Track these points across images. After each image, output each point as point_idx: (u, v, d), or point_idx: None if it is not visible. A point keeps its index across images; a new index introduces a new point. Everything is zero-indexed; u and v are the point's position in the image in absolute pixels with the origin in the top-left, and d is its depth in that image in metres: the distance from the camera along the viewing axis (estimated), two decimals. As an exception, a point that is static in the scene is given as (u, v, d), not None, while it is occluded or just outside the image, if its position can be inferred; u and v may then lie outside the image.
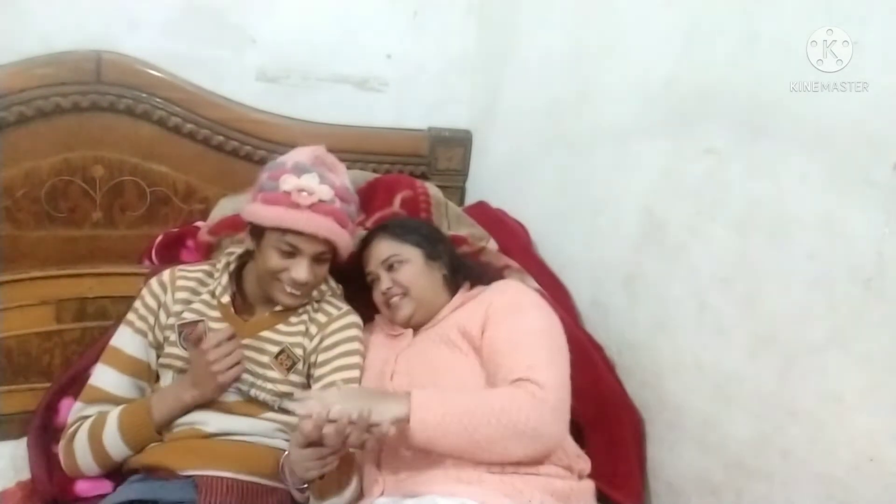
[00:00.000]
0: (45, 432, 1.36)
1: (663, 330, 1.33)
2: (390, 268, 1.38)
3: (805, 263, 1.04)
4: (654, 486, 1.37)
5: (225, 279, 1.34)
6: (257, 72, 1.79)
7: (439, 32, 1.91)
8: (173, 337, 1.30)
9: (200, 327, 1.29)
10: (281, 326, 1.33)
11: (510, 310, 1.28)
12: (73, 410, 1.30)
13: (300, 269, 1.25)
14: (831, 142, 1.00)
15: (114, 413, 1.25)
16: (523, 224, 1.77)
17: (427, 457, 1.14)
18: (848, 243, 0.97)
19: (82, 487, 1.29)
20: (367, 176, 1.76)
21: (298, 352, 1.31)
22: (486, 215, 1.77)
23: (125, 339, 1.31)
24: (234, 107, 1.73)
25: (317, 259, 1.27)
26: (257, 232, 1.28)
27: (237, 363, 1.21)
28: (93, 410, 1.28)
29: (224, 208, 1.65)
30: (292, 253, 1.25)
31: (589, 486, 1.24)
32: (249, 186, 1.69)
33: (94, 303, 1.59)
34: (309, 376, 1.32)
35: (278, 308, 1.33)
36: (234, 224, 1.53)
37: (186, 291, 1.34)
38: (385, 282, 1.37)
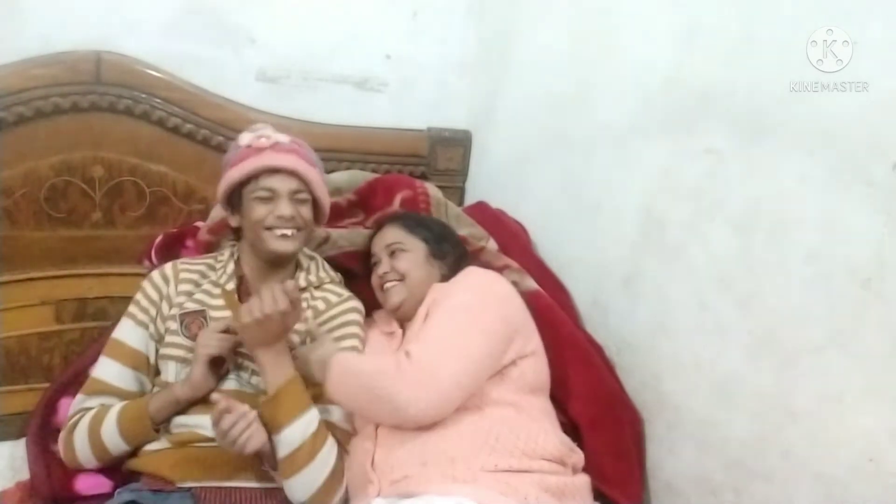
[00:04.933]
0: (44, 432, 1.36)
1: (663, 330, 1.33)
2: (392, 254, 1.41)
3: (805, 263, 1.04)
4: (653, 486, 1.37)
5: (231, 267, 1.37)
6: (257, 72, 1.79)
7: (439, 33, 1.91)
8: (174, 326, 1.31)
9: (200, 320, 1.30)
10: None
11: (443, 297, 1.30)
12: (75, 402, 1.30)
13: (282, 206, 1.29)
14: (831, 142, 1.00)
15: (114, 408, 1.25)
16: (523, 224, 1.77)
17: (421, 456, 1.14)
18: (848, 243, 0.97)
19: (82, 486, 1.29)
20: (367, 176, 1.76)
21: (295, 338, 1.31)
22: (485, 215, 1.77)
23: (127, 332, 1.32)
24: (233, 107, 1.73)
25: (295, 199, 1.31)
26: (237, 200, 1.33)
27: (222, 343, 1.24)
28: (94, 402, 1.28)
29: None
30: (270, 197, 1.29)
31: (584, 480, 1.24)
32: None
33: (94, 303, 1.59)
34: None
35: None
36: (234, 224, 1.53)
37: (189, 283, 1.36)
38: (384, 266, 1.41)
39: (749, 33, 1.13)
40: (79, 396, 1.30)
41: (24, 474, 1.35)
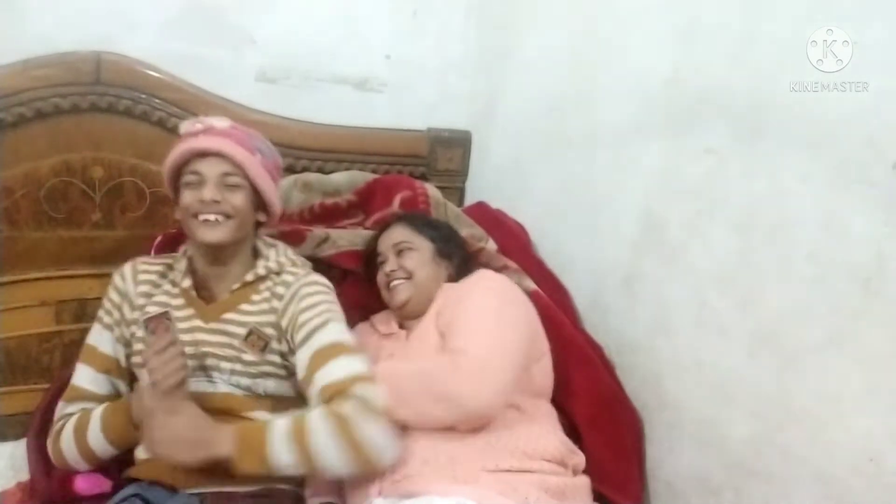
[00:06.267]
0: (44, 433, 1.35)
1: (663, 330, 1.33)
2: (399, 253, 1.42)
3: (805, 263, 1.04)
4: (653, 486, 1.37)
5: (183, 264, 1.32)
6: (257, 72, 1.78)
7: (439, 32, 1.91)
8: (140, 332, 1.27)
9: (166, 322, 1.23)
10: (244, 306, 1.28)
11: (461, 296, 1.31)
12: (57, 409, 1.30)
13: (206, 190, 1.22)
14: (831, 142, 1.00)
15: (97, 413, 1.25)
16: (523, 224, 1.77)
17: (422, 454, 1.15)
18: (848, 243, 0.97)
19: (81, 486, 1.29)
20: (367, 176, 1.76)
21: (269, 331, 1.27)
22: (485, 216, 1.77)
23: (96, 336, 1.32)
24: (234, 107, 1.72)
25: (225, 184, 1.23)
26: (176, 191, 1.28)
27: (180, 366, 1.15)
28: (74, 408, 1.28)
29: (224, 209, 1.65)
30: (198, 182, 1.23)
31: (584, 482, 1.24)
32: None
33: (94, 303, 1.57)
34: (292, 351, 1.26)
35: (236, 286, 1.29)
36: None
37: (148, 284, 1.32)
38: (391, 264, 1.41)
39: (749, 33, 1.13)
40: (60, 403, 1.30)
41: (25, 474, 1.35)
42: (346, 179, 1.75)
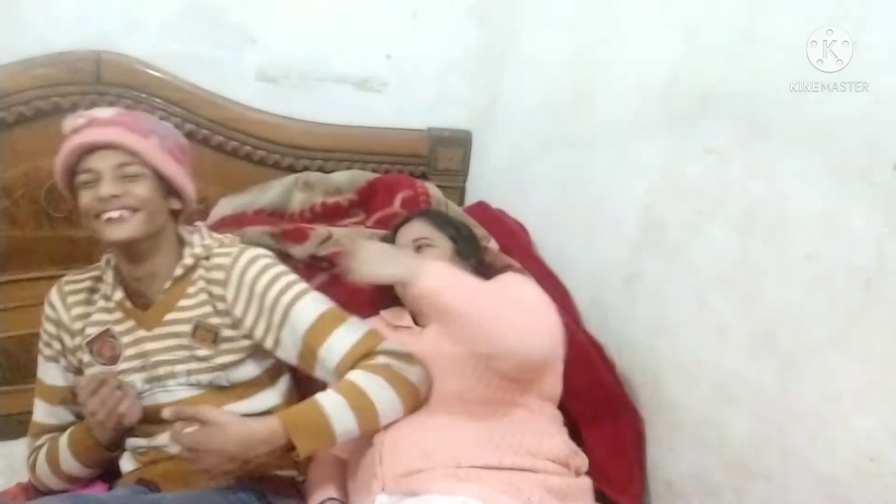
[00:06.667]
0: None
1: (663, 330, 1.33)
2: (418, 249, 1.39)
3: (805, 263, 1.03)
4: (653, 486, 1.37)
5: (111, 275, 1.25)
6: (257, 72, 1.79)
7: (439, 32, 1.91)
8: (87, 357, 1.24)
9: (110, 341, 1.23)
10: (182, 302, 1.23)
11: (506, 287, 1.30)
12: (27, 444, 1.30)
13: (102, 186, 1.13)
14: (831, 142, 1.00)
15: (63, 441, 1.25)
16: (523, 224, 1.77)
17: (425, 446, 1.15)
18: (848, 243, 0.97)
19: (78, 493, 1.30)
20: (368, 176, 1.76)
21: (215, 321, 1.22)
22: (486, 215, 1.77)
23: (43, 370, 1.30)
24: (234, 107, 1.73)
25: (123, 176, 1.15)
26: (73, 194, 1.19)
27: (122, 400, 1.15)
28: (41, 441, 1.29)
29: (224, 208, 1.65)
30: (95, 179, 1.14)
31: (587, 483, 1.24)
32: (250, 186, 1.71)
33: (94, 303, 1.59)
34: (251, 336, 1.23)
35: (168, 284, 1.23)
36: (234, 223, 1.53)
37: (81, 305, 1.27)
38: None
39: (749, 33, 1.13)
40: (27, 439, 1.31)
41: (23, 474, 1.35)
42: (347, 179, 1.75)
